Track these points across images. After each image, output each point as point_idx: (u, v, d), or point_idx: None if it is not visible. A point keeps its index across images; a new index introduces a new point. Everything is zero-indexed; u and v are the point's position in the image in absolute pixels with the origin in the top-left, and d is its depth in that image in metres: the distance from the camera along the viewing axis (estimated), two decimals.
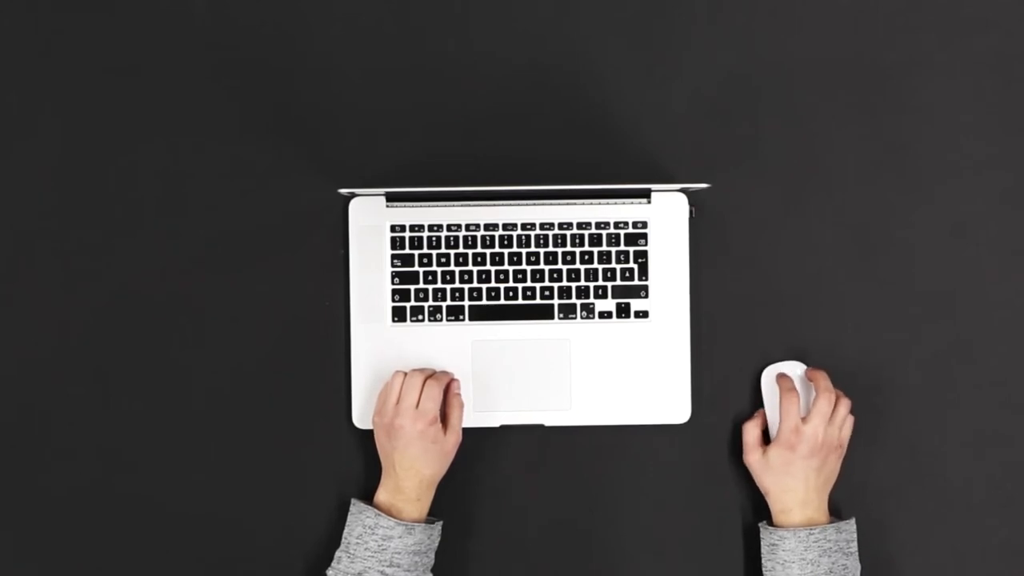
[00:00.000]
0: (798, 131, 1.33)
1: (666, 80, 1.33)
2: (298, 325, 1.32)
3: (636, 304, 1.31)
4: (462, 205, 1.30)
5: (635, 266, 1.31)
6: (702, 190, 1.29)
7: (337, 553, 1.22)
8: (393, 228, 1.31)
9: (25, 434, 1.31)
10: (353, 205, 1.31)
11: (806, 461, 1.23)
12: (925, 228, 1.32)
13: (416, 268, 1.31)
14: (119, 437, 1.31)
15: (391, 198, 1.30)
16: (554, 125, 1.32)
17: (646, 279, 1.31)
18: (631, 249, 1.31)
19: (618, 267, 1.31)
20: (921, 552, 1.31)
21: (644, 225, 1.31)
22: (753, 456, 1.26)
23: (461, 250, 1.31)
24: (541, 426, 1.31)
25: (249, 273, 1.32)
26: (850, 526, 1.24)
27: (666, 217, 1.31)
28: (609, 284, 1.30)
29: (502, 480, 1.32)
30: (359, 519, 1.22)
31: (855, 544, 1.24)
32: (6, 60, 1.32)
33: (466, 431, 1.28)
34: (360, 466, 1.31)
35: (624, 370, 1.30)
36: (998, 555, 1.32)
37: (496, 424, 1.30)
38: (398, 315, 1.31)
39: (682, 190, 1.30)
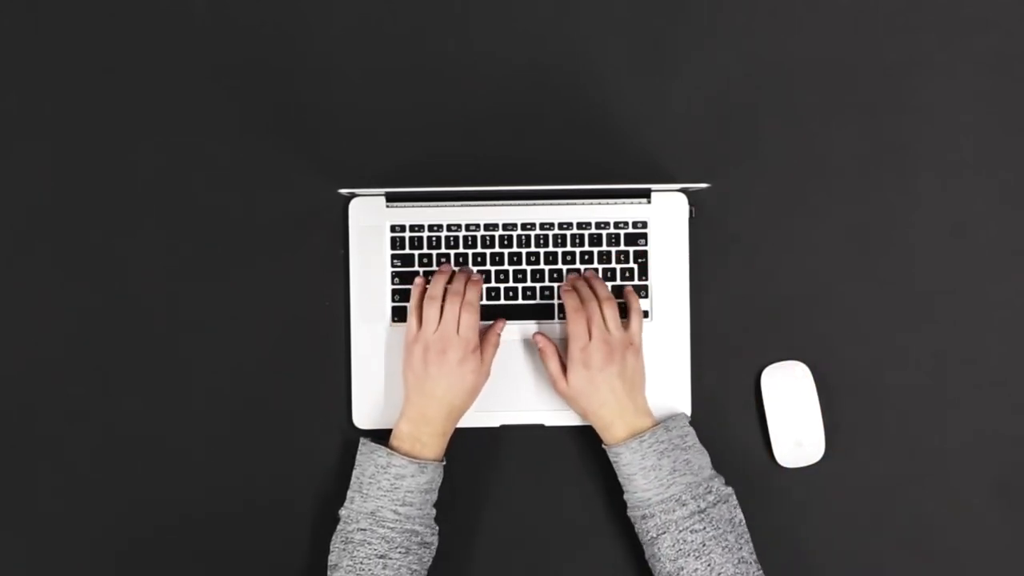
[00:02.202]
0: (798, 131, 1.33)
1: (666, 80, 1.33)
2: (298, 325, 1.32)
3: None
4: (462, 205, 1.30)
5: (635, 266, 1.31)
6: (702, 190, 1.29)
7: (349, 493, 1.22)
8: (393, 228, 1.31)
9: (25, 434, 1.31)
10: (353, 205, 1.31)
11: (604, 372, 1.22)
12: (925, 228, 1.32)
13: (416, 268, 1.31)
14: (119, 437, 1.31)
15: (391, 198, 1.30)
16: (554, 125, 1.32)
17: (646, 279, 1.31)
18: (631, 249, 1.31)
19: (618, 267, 1.31)
20: (921, 552, 1.31)
21: (644, 225, 1.31)
22: (560, 386, 1.25)
23: (461, 250, 1.31)
24: (541, 426, 1.31)
25: (249, 273, 1.32)
26: (678, 421, 1.23)
27: (666, 217, 1.31)
28: (609, 284, 1.30)
29: (502, 480, 1.32)
30: (371, 459, 1.21)
31: (692, 436, 1.23)
32: (6, 60, 1.32)
33: (466, 431, 1.28)
34: None
35: None
36: (998, 555, 1.32)
37: (496, 424, 1.30)
38: (398, 315, 1.31)
39: (682, 190, 1.30)
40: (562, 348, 1.27)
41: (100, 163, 1.32)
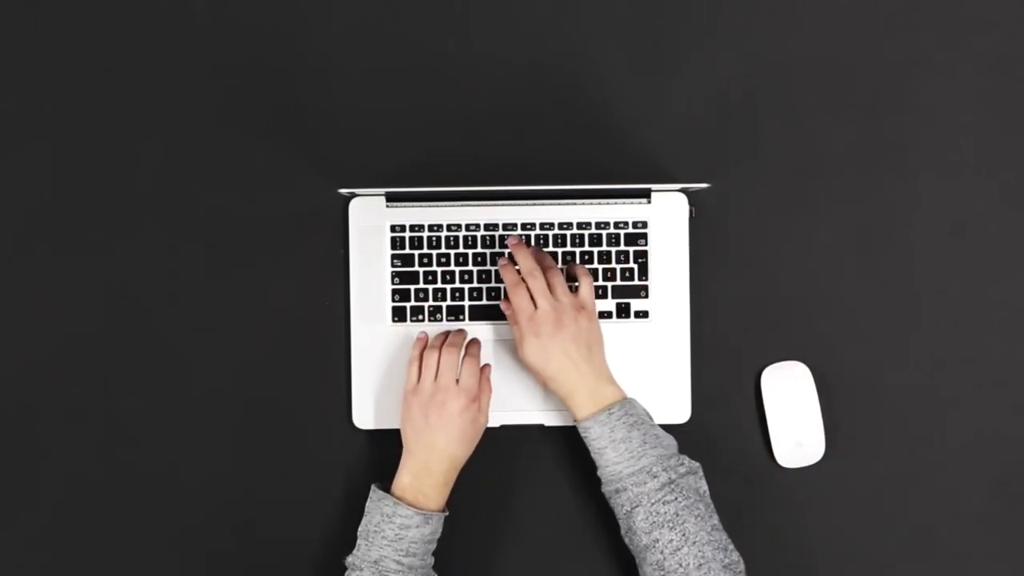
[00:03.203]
0: (798, 131, 1.33)
1: (666, 80, 1.33)
2: (298, 325, 1.32)
3: (636, 304, 1.31)
4: (462, 205, 1.30)
5: (635, 266, 1.31)
6: (702, 190, 1.29)
7: (358, 540, 1.21)
8: (393, 228, 1.31)
9: (25, 434, 1.31)
10: (353, 205, 1.31)
11: (555, 339, 1.21)
12: (925, 228, 1.32)
13: (416, 268, 1.31)
14: (119, 437, 1.31)
15: (391, 198, 1.30)
16: (554, 125, 1.32)
17: (646, 279, 1.31)
18: (631, 249, 1.31)
19: (618, 267, 1.31)
20: (921, 552, 1.31)
21: (644, 225, 1.31)
22: (520, 355, 1.24)
23: (461, 250, 1.31)
24: (541, 426, 1.31)
25: (249, 273, 1.32)
26: (635, 400, 1.23)
27: (666, 217, 1.31)
28: (609, 284, 1.31)
29: (502, 480, 1.32)
30: (378, 507, 1.20)
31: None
32: (6, 60, 1.32)
33: None
34: (361, 466, 1.31)
35: (624, 370, 1.30)
36: (998, 555, 1.32)
37: (496, 424, 1.30)
38: (398, 315, 1.31)
39: (682, 190, 1.30)
40: None
41: (100, 163, 1.32)
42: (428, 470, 1.21)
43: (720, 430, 1.31)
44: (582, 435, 1.23)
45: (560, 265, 1.30)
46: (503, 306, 1.27)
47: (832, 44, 1.33)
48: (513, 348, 1.29)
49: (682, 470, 1.18)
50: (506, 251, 1.30)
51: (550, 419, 1.31)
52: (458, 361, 1.23)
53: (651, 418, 1.23)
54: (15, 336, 1.31)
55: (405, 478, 1.22)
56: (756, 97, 1.33)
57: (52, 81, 1.32)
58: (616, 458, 1.19)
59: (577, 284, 1.26)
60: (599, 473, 1.22)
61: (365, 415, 1.30)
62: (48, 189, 1.32)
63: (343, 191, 1.26)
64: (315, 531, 1.31)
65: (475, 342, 1.27)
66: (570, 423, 1.30)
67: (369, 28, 1.33)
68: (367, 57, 1.33)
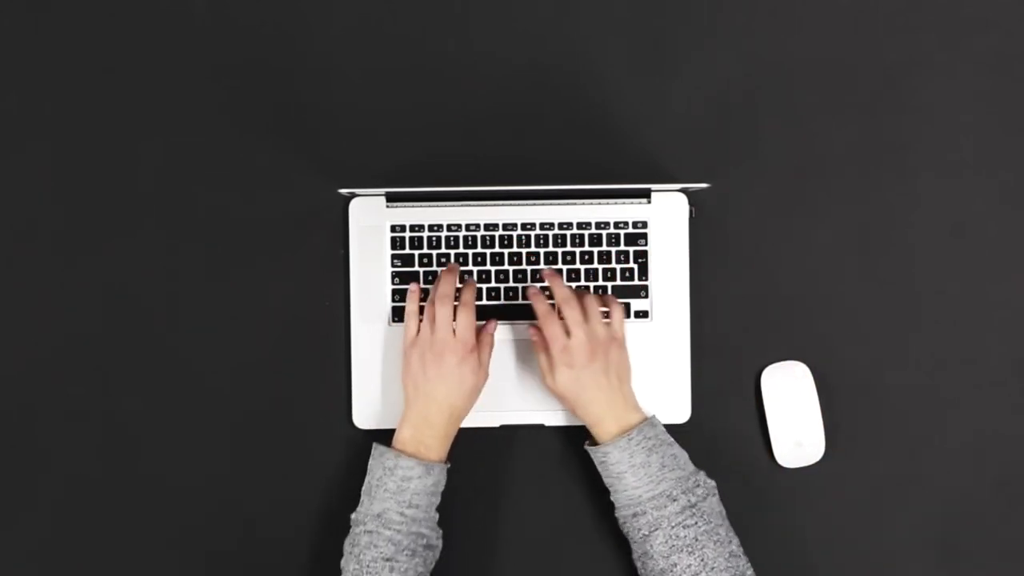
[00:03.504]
0: (798, 131, 1.33)
1: (666, 80, 1.33)
2: (298, 325, 1.32)
3: (636, 304, 1.31)
4: (462, 205, 1.30)
5: (635, 266, 1.31)
6: (702, 190, 1.29)
7: (361, 497, 1.22)
8: (393, 228, 1.31)
9: (25, 434, 1.31)
10: (353, 205, 1.31)
11: (588, 369, 1.22)
12: (925, 228, 1.33)
13: (416, 268, 1.31)
14: (119, 437, 1.31)
15: (391, 198, 1.30)
16: (554, 125, 1.32)
17: (646, 279, 1.31)
18: (631, 249, 1.31)
19: (618, 267, 1.31)
20: (921, 552, 1.31)
21: (644, 225, 1.31)
22: (547, 382, 1.25)
23: (461, 250, 1.31)
24: (541, 426, 1.31)
25: (249, 273, 1.32)
26: (657, 419, 1.23)
27: (666, 217, 1.31)
28: (609, 284, 1.31)
29: (502, 480, 1.32)
30: (380, 462, 1.21)
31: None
32: (6, 60, 1.32)
33: (466, 431, 1.28)
34: (361, 466, 1.31)
35: None
36: (998, 555, 1.32)
37: (496, 424, 1.30)
38: (398, 315, 1.31)
39: (682, 190, 1.30)
40: None
41: (100, 163, 1.32)
42: (428, 422, 1.22)
43: (720, 430, 1.31)
44: (598, 459, 1.23)
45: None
46: (531, 333, 1.27)
47: (832, 44, 1.33)
48: (516, 348, 1.29)
49: (700, 492, 1.19)
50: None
51: (550, 419, 1.31)
52: (451, 310, 1.22)
53: (668, 435, 1.23)
54: (15, 336, 1.31)
55: (406, 431, 1.22)
56: (756, 97, 1.33)
57: (52, 81, 1.32)
58: (635, 483, 1.20)
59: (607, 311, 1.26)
60: (614, 498, 1.22)
61: (365, 415, 1.30)
62: (48, 189, 1.32)
63: (343, 191, 1.26)
64: (315, 531, 1.31)
65: (468, 287, 1.25)
66: (570, 423, 1.30)
67: (369, 28, 1.33)
68: (367, 57, 1.33)
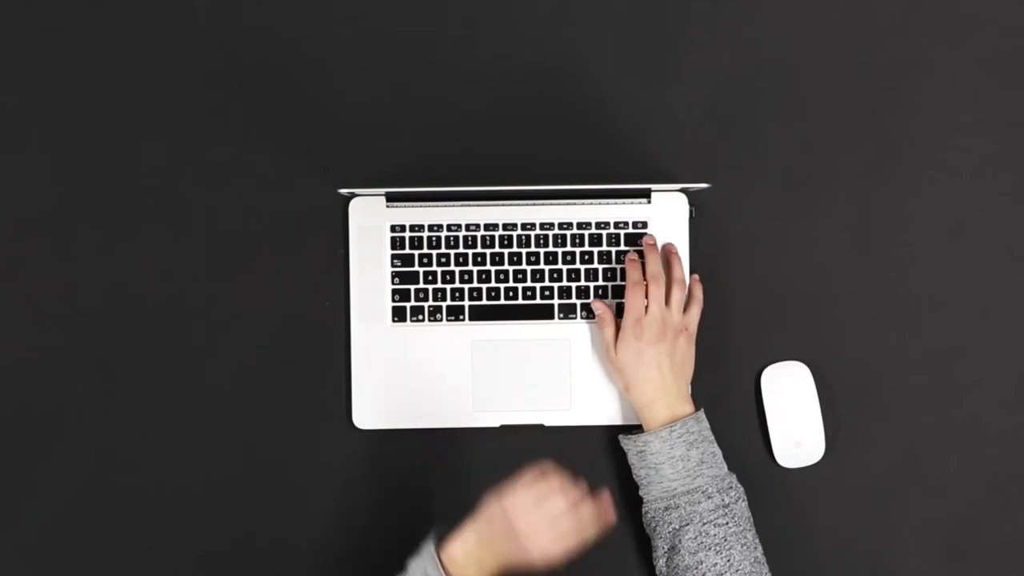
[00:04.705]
0: (798, 131, 1.33)
1: (666, 80, 1.33)
2: (298, 325, 1.32)
3: None
4: (462, 205, 1.30)
5: None
6: (702, 190, 1.29)
7: None
8: (393, 228, 1.31)
9: (25, 434, 1.31)
10: (353, 205, 1.31)
11: (655, 347, 1.22)
12: (925, 228, 1.32)
13: (416, 268, 1.31)
14: (119, 437, 1.31)
15: (391, 198, 1.30)
16: (554, 125, 1.32)
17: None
18: (631, 249, 1.31)
19: (618, 267, 1.31)
20: (921, 552, 1.31)
21: (644, 225, 1.31)
22: (609, 354, 1.25)
23: (461, 250, 1.31)
24: (541, 426, 1.31)
25: (249, 273, 1.32)
26: (702, 415, 1.24)
27: (666, 217, 1.31)
28: (609, 284, 1.31)
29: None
30: (421, 564, 1.14)
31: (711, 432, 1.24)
32: (6, 60, 1.32)
33: (466, 431, 1.28)
34: (361, 466, 1.31)
35: None
36: (998, 555, 1.32)
37: (496, 424, 1.30)
38: (398, 315, 1.31)
39: (682, 190, 1.30)
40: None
41: (100, 163, 1.32)
42: (481, 562, 1.12)
43: (720, 430, 1.31)
44: (637, 450, 1.23)
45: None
46: (597, 306, 1.27)
47: (832, 44, 1.33)
48: (516, 348, 1.29)
49: (733, 494, 1.20)
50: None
51: (550, 419, 1.31)
52: (566, 505, 1.14)
53: (710, 433, 1.23)
54: (15, 336, 1.31)
55: (458, 548, 1.13)
56: (756, 97, 1.33)
57: (52, 81, 1.32)
58: (672, 475, 1.20)
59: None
60: (644, 492, 1.22)
61: (365, 415, 1.30)
62: (48, 189, 1.32)
63: (343, 191, 1.26)
64: (315, 531, 1.31)
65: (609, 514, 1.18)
66: (570, 423, 1.30)
67: (369, 28, 1.33)
68: (367, 57, 1.33)
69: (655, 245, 1.28)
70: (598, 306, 1.27)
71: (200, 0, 1.33)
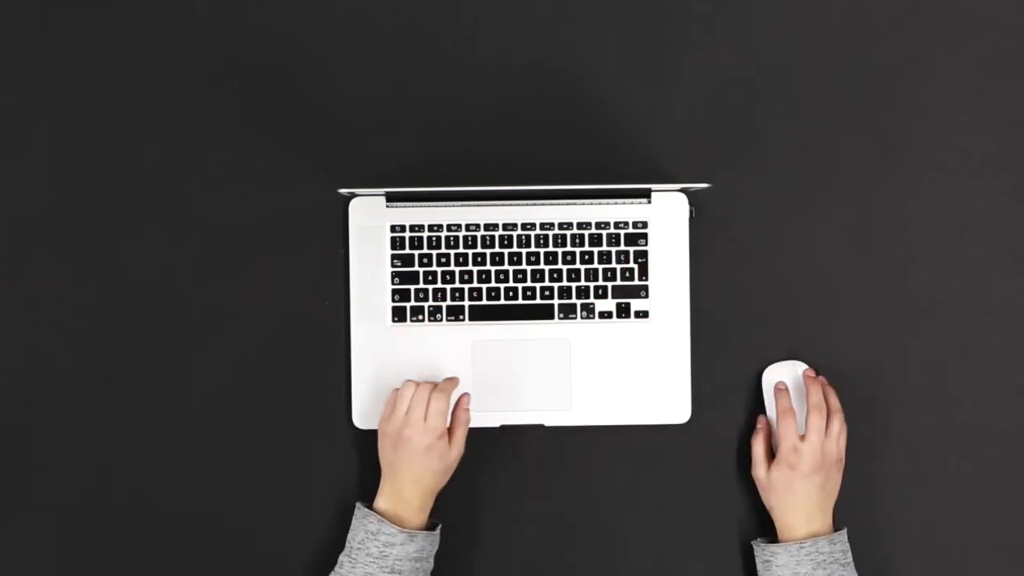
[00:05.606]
0: (798, 131, 1.33)
1: (666, 80, 1.33)
2: (298, 325, 1.32)
3: (636, 304, 1.31)
4: (462, 205, 1.30)
5: (635, 266, 1.31)
6: (702, 190, 1.29)
7: (340, 557, 1.22)
8: (393, 228, 1.31)
9: (25, 434, 1.31)
10: (353, 205, 1.31)
11: (808, 479, 1.22)
12: (925, 228, 1.32)
13: (416, 268, 1.31)
14: (119, 437, 1.31)
15: (391, 198, 1.30)
16: (554, 125, 1.32)
17: (646, 279, 1.31)
18: (631, 249, 1.31)
19: (618, 267, 1.31)
20: (921, 552, 1.31)
21: (644, 225, 1.31)
22: (759, 472, 1.26)
23: (461, 250, 1.31)
24: (541, 426, 1.31)
25: (249, 273, 1.32)
26: (842, 536, 1.24)
27: (666, 217, 1.31)
28: (609, 284, 1.31)
29: (502, 480, 1.32)
30: (362, 523, 1.21)
31: (850, 554, 1.24)
32: (6, 60, 1.32)
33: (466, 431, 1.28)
34: (360, 467, 1.31)
35: (624, 370, 1.30)
36: (998, 555, 1.31)
37: (496, 424, 1.30)
38: (398, 315, 1.31)
39: (682, 190, 1.30)
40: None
41: (100, 163, 1.32)
42: (401, 496, 1.22)
43: (720, 430, 1.31)
44: (764, 559, 1.23)
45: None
46: (761, 420, 1.29)
47: (832, 44, 1.33)
48: (515, 348, 1.29)
49: None
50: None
51: (550, 419, 1.31)
52: (428, 399, 1.21)
53: (848, 555, 1.23)
54: (15, 336, 1.31)
55: (381, 503, 1.22)
56: (756, 97, 1.33)
57: (52, 81, 1.32)
58: None
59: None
60: None
61: (365, 415, 1.30)
62: (48, 189, 1.32)
63: (343, 191, 1.26)
64: (315, 531, 1.31)
65: (451, 379, 1.26)
66: (570, 423, 1.30)
67: (369, 28, 1.33)
68: (367, 57, 1.33)
69: (815, 378, 1.28)
70: (761, 420, 1.29)
71: (200, 0, 1.33)
